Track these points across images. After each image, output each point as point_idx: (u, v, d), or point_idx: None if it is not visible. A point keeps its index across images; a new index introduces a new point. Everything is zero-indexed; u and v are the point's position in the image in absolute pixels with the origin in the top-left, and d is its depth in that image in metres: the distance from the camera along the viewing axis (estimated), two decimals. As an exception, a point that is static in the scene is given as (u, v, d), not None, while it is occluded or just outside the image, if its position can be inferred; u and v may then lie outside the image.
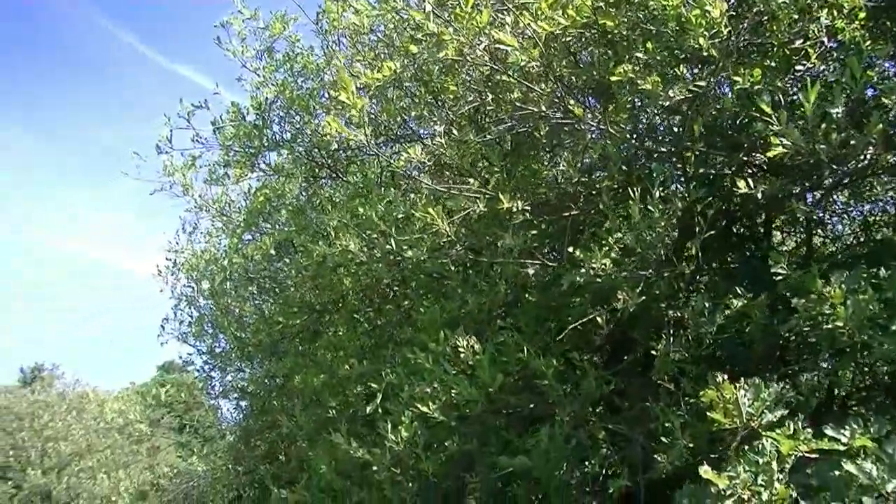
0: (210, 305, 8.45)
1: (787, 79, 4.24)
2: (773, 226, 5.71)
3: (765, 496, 2.31)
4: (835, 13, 4.01)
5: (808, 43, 4.05)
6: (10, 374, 36.06)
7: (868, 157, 3.63)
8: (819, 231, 6.27)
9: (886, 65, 4.53)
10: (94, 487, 24.08)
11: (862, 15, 3.97)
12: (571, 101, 3.88)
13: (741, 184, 3.64)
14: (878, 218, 6.37)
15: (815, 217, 5.44)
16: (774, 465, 2.32)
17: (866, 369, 5.66)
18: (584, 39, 4.59)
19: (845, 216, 6.82)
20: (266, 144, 6.54)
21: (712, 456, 3.87)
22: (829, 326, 3.26)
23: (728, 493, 2.33)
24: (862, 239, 6.32)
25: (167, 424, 16.25)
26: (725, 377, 2.67)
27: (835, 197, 5.90)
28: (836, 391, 5.69)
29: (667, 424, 4.04)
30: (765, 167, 4.53)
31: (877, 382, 5.70)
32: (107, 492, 20.91)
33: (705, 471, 2.38)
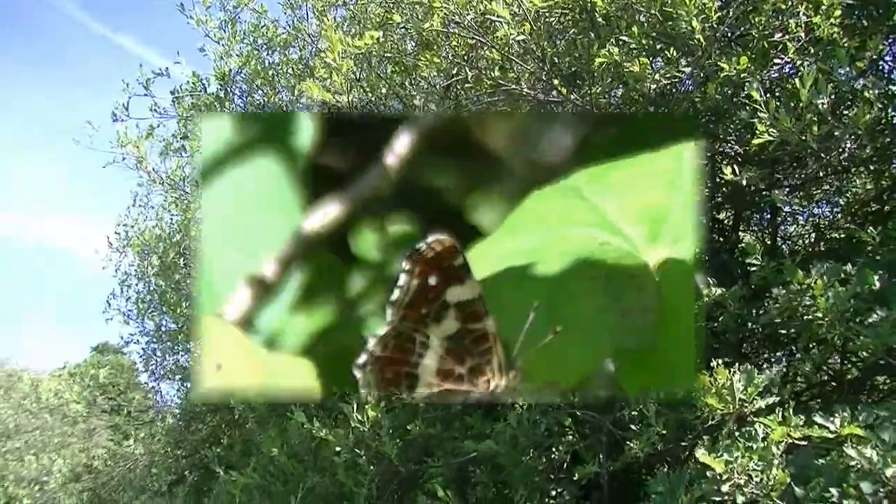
0: (159, 282, 8.17)
1: (764, 72, 4.24)
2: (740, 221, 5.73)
3: (762, 480, 2.28)
4: (812, 9, 4.03)
5: (787, 37, 4.07)
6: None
7: (848, 150, 3.64)
8: (780, 229, 6.34)
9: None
10: (21, 469, 23.22)
11: (837, 13, 3.99)
12: (556, 81, 3.80)
13: (727, 170, 3.62)
14: (826, 220, 6.49)
15: (790, 208, 5.49)
16: (774, 449, 2.30)
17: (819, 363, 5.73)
18: (564, 21, 4.53)
19: (800, 217, 6.97)
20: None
21: (682, 444, 3.89)
22: (809, 317, 3.26)
23: (724, 477, 2.29)
24: (814, 239, 6.43)
25: (101, 406, 15.73)
26: (719, 362, 2.64)
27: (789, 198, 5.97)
28: (789, 385, 5.75)
29: (634, 413, 4.01)
30: (739, 158, 4.53)
31: (829, 377, 5.79)
32: (35, 474, 20.16)
33: (702, 454, 2.34)
